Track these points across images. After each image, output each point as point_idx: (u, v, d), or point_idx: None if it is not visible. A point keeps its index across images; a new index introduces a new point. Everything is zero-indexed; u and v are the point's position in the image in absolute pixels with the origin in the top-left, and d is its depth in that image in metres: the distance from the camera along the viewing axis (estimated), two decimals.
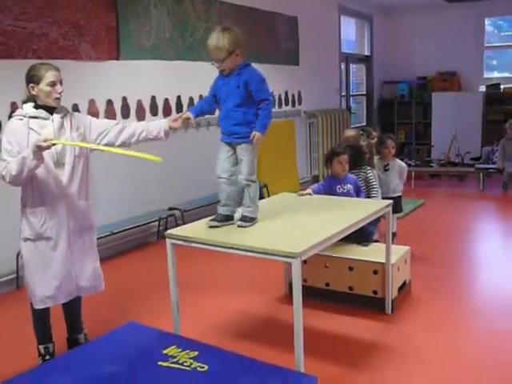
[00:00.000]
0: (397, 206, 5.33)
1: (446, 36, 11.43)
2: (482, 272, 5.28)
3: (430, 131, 11.55)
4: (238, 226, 3.38)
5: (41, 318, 3.56)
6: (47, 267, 3.37)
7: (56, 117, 3.35)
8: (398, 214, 5.41)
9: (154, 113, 6.39)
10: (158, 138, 3.74)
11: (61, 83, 3.35)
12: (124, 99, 6.01)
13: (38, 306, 3.42)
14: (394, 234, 5.33)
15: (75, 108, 5.45)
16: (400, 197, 5.40)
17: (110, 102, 5.84)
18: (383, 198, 4.78)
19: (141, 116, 6.20)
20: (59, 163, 3.34)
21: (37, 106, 3.32)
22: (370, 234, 4.65)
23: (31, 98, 3.32)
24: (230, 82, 3.41)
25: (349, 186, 4.57)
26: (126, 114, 6.03)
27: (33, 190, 3.32)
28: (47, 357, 3.57)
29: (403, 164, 5.49)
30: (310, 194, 4.34)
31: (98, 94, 5.72)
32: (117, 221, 5.89)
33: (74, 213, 3.41)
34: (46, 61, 5.03)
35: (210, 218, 3.51)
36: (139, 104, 6.19)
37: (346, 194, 4.52)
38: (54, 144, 3.15)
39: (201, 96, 7.01)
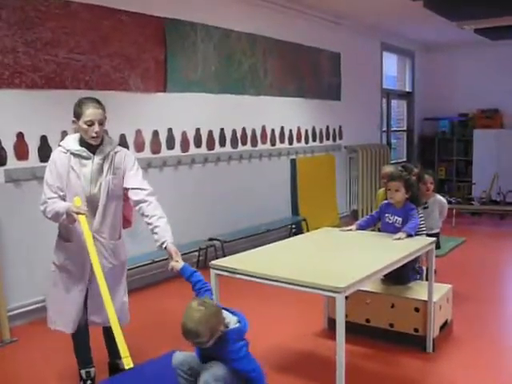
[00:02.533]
0: (436, 243, 5.29)
1: (487, 73, 11.37)
2: None
3: (471, 168, 11.44)
4: None
5: (78, 342, 3.62)
6: (66, 297, 3.48)
7: (97, 158, 3.38)
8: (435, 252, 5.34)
9: (198, 144, 6.50)
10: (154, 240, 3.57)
11: (100, 123, 3.32)
12: (169, 130, 6.14)
13: (52, 327, 3.55)
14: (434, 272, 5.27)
15: (123, 138, 5.60)
16: (438, 233, 5.33)
17: (155, 133, 5.98)
18: None
19: (185, 147, 6.31)
20: (93, 206, 3.38)
21: (81, 141, 3.37)
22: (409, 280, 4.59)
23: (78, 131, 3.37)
24: None
25: (397, 218, 4.30)
26: (170, 145, 6.15)
27: (64, 225, 3.42)
28: (88, 381, 3.62)
29: (443, 200, 5.36)
30: (351, 230, 4.33)
31: (144, 124, 5.86)
32: (157, 250, 5.95)
33: (103, 252, 3.48)
34: (97, 92, 5.24)
35: None
36: (184, 135, 6.31)
37: (389, 225, 4.31)
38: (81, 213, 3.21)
39: (243, 129, 7.12)
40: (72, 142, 3.37)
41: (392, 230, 4.25)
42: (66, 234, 3.44)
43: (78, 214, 3.20)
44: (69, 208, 3.22)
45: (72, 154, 3.33)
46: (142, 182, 3.54)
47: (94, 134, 3.31)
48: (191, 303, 2.79)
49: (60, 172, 3.32)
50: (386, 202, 4.47)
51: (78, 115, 3.30)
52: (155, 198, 3.57)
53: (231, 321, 2.86)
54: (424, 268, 4.62)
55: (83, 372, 3.64)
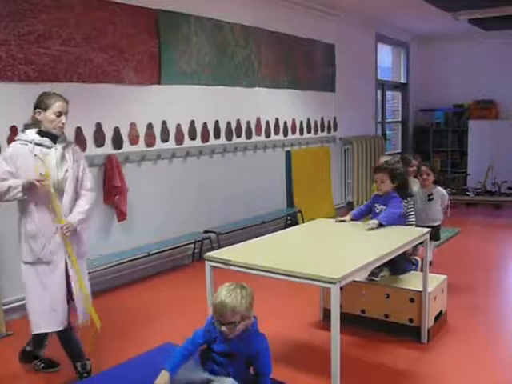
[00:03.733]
0: (435, 235, 5.30)
1: (483, 64, 11.37)
2: None
3: (466, 159, 11.46)
4: None
5: (64, 340, 3.66)
6: (45, 291, 3.49)
7: (59, 146, 3.52)
8: (435, 243, 5.36)
9: (192, 137, 6.49)
10: None
11: (66, 115, 3.52)
12: (164, 123, 6.12)
13: (33, 332, 3.56)
14: (429, 263, 5.28)
15: (117, 131, 5.58)
16: (439, 226, 5.35)
17: (150, 126, 5.96)
18: (423, 227, 4.67)
19: (180, 140, 6.30)
20: (60, 191, 3.48)
21: (40, 133, 3.48)
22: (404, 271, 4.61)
23: (35, 124, 3.49)
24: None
25: (382, 206, 4.34)
26: (165, 137, 6.14)
27: (32, 216, 3.46)
28: (85, 374, 3.64)
29: (445, 192, 5.39)
30: (344, 221, 4.33)
31: (138, 117, 5.84)
32: (153, 242, 5.97)
33: (71, 239, 3.55)
34: (90, 85, 5.24)
35: None
36: (178, 128, 6.30)
37: (376, 215, 4.30)
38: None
39: (238, 121, 7.11)
40: (33, 134, 3.48)
41: None
42: (40, 224, 3.46)
43: (40, 182, 3.33)
44: (27, 180, 3.32)
45: (36, 143, 3.44)
46: (86, 179, 3.69)
47: (62, 125, 3.51)
48: (226, 284, 2.72)
49: (23, 164, 3.41)
50: (376, 192, 4.53)
51: (45, 106, 3.46)
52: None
53: None
54: (419, 259, 4.63)
55: (79, 365, 3.65)
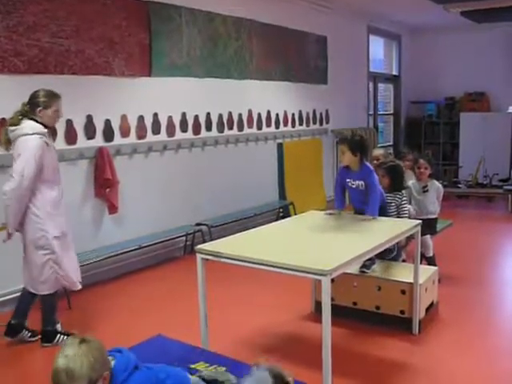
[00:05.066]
0: (433, 228, 5.32)
1: (474, 56, 11.39)
2: (510, 293, 5.23)
3: (457, 152, 11.48)
4: None
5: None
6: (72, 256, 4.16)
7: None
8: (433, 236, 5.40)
9: (184, 129, 6.47)
10: None
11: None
12: (155, 115, 6.10)
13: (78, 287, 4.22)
14: (432, 258, 5.30)
15: (108, 123, 5.56)
16: (436, 219, 5.38)
17: (141, 118, 5.94)
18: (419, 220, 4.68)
19: (171, 132, 6.28)
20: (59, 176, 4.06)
21: (42, 124, 3.89)
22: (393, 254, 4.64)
23: (26, 114, 3.88)
24: None
25: (358, 182, 4.27)
26: (156, 129, 6.11)
27: (53, 197, 3.96)
28: (64, 331, 4.12)
29: (440, 186, 5.44)
30: (334, 214, 4.32)
31: (129, 109, 5.82)
32: (144, 235, 5.96)
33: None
34: (81, 77, 5.21)
35: None
36: (169, 120, 6.28)
37: (354, 190, 4.30)
38: None
39: (230, 113, 7.10)
40: (40, 127, 3.85)
41: (358, 194, 4.29)
42: (59, 203, 4.05)
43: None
44: None
45: (46, 135, 3.90)
46: None
47: (58, 120, 4.09)
48: (67, 339, 2.15)
49: (44, 159, 3.84)
50: (342, 166, 4.44)
51: (46, 105, 3.89)
52: None
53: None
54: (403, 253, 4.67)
55: (59, 325, 4.17)
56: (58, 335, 4.11)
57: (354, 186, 4.29)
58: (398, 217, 4.60)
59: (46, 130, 3.88)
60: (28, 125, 3.82)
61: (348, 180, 4.32)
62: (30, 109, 3.87)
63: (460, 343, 4.02)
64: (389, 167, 4.79)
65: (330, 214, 4.33)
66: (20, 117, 3.86)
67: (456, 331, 4.22)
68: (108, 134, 5.59)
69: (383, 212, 4.33)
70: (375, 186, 4.21)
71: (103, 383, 2.07)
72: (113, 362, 2.19)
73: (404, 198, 4.74)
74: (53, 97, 3.91)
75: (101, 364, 2.06)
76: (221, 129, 7.01)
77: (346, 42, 9.56)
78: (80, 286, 4.21)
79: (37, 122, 3.85)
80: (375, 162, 5.48)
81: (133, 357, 2.31)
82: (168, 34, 6.13)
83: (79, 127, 5.32)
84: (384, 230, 3.78)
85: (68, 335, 3.99)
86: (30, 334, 4.17)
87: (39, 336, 4.14)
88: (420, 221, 4.14)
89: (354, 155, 4.20)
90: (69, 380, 1.97)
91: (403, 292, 4.16)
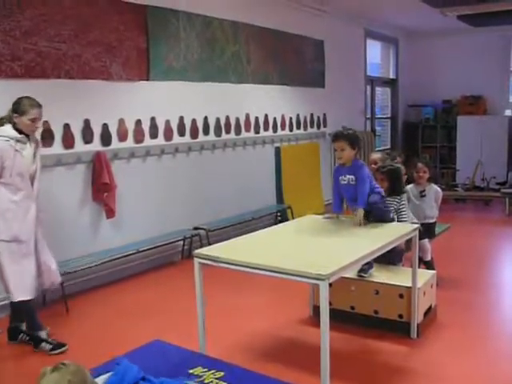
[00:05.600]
0: (431, 232, 5.31)
1: (471, 60, 11.41)
2: (508, 297, 5.24)
3: (454, 155, 11.49)
4: None
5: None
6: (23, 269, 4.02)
7: (32, 144, 4.06)
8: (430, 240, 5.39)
9: (182, 133, 6.46)
10: None
11: (40, 119, 4.06)
12: (152, 119, 6.10)
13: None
14: (430, 261, 5.29)
15: (105, 128, 5.55)
16: (435, 223, 5.37)
17: (138, 122, 5.93)
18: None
19: (169, 136, 6.28)
20: (32, 180, 4.07)
21: (17, 129, 3.93)
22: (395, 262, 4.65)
23: (8, 119, 3.95)
24: None
25: (349, 176, 4.15)
26: (154, 134, 6.11)
27: (11, 200, 3.95)
28: (50, 339, 4.11)
29: (439, 189, 5.42)
30: (332, 218, 4.28)
31: (127, 113, 5.81)
32: (142, 239, 5.95)
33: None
34: (78, 81, 5.21)
35: None
36: (167, 124, 6.27)
37: (346, 187, 4.17)
38: None
39: (227, 117, 7.09)
40: (11, 131, 3.92)
41: (351, 192, 4.14)
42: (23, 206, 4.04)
43: None
44: None
45: (17, 140, 3.91)
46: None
47: (35, 129, 4.06)
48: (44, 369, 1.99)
49: (5, 160, 3.87)
50: (336, 166, 4.39)
51: (22, 112, 3.92)
52: None
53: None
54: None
55: (44, 333, 4.15)
56: (41, 342, 4.13)
57: (345, 183, 4.17)
58: (397, 221, 4.59)
59: (18, 136, 3.91)
60: (2, 128, 3.92)
61: (340, 177, 4.21)
62: (11, 114, 3.95)
63: (459, 347, 4.01)
64: (388, 171, 4.79)
65: (328, 218, 4.31)
66: (4, 121, 3.96)
67: (454, 335, 4.22)
68: (105, 138, 5.59)
69: (381, 212, 4.20)
70: (364, 180, 4.08)
71: None
72: (102, 381, 2.14)
73: (403, 203, 4.74)
74: (31, 105, 3.94)
75: None
76: (218, 133, 7.01)
77: (343, 46, 9.57)
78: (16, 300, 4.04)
79: (16, 128, 3.93)
80: (373, 165, 5.48)
81: (132, 373, 2.26)
82: (166, 38, 6.13)
83: (76, 131, 5.31)
84: (382, 234, 3.77)
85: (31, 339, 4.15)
86: (28, 338, 4.18)
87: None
88: (418, 225, 4.13)
89: (353, 149, 4.14)
90: None
91: (401, 296, 4.15)
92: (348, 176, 4.15)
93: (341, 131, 4.28)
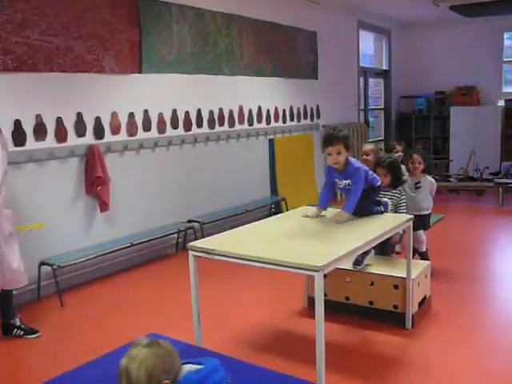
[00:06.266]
0: (426, 224, 5.31)
1: (464, 50, 11.42)
2: (502, 287, 5.25)
3: (448, 146, 11.52)
4: None
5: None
6: None
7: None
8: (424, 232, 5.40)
9: (175, 126, 6.45)
10: None
11: None
12: (145, 112, 6.08)
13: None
14: (425, 252, 5.30)
15: (98, 121, 5.53)
16: (429, 214, 5.37)
17: (131, 115, 5.91)
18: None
19: (162, 129, 6.26)
20: None
21: None
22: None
23: None
24: None
25: (345, 181, 4.00)
26: (147, 126, 6.09)
27: None
28: (22, 326, 4.20)
29: (433, 180, 5.41)
30: (318, 215, 4.10)
31: (120, 106, 5.79)
32: (136, 232, 5.94)
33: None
34: (71, 74, 5.18)
35: None
36: (160, 117, 6.25)
37: (344, 190, 4.08)
38: None
39: (221, 109, 7.08)
40: None
41: (348, 194, 4.02)
42: None
43: None
44: None
45: None
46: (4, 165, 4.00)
47: None
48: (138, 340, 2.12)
49: None
50: (329, 166, 4.11)
51: None
52: None
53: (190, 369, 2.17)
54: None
55: (18, 319, 4.21)
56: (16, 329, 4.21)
57: (341, 186, 4.07)
58: (395, 212, 4.58)
59: None
60: None
61: (336, 180, 4.09)
62: None
63: (453, 337, 4.03)
64: (389, 163, 4.72)
65: (307, 216, 4.10)
66: None
67: (449, 325, 4.24)
68: (98, 132, 5.57)
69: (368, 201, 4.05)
70: (358, 188, 3.92)
71: None
72: (184, 372, 2.11)
73: (403, 197, 4.73)
74: None
75: (161, 371, 2.00)
76: (212, 125, 6.99)
77: (336, 37, 9.55)
78: None
79: None
80: (365, 156, 5.49)
81: (217, 376, 2.16)
82: (158, 31, 6.10)
83: (69, 125, 5.28)
84: (376, 225, 3.78)
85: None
86: (22, 333, 4.19)
87: (38, 333, 4.22)
88: (411, 216, 4.13)
89: (348, 151, 3.97)
90: (126, 379, 1.98)
91: (396, 287, 4.16)
92: (344, 181, 4.01)
93: (336, 133, 4.06)
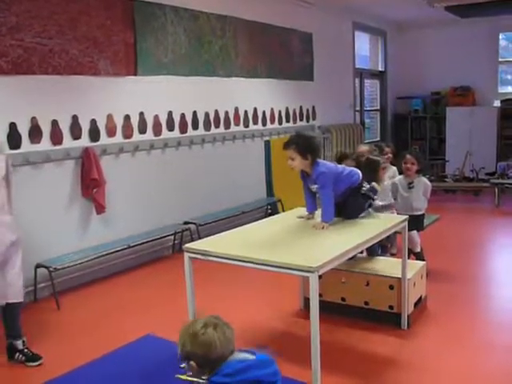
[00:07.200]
0: (419, 224, 5.31)
1: (460, 51, 11.44)
2: (498, 287, 5.26)
3: (444, 146, 11.54)
4: None
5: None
6: None
7: None
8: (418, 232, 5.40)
9: (170, 128, 6.45)
10: None
11: None
12: (141, 114, 6.08)
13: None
14: (420, 253, 5.30)
15: (93, 123, 5.53)
16: (423, 215, 5.37)
17: (127, 118, 5.91)
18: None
19: (158, 131, 6.26)
20: None
21: None
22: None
23: None
24: None
25: (314, 186, 3.90)
26: (142, 129, 6.09)
27: None
28: (25, 351, 3.81)
29: (427, 181, 5.40)
30: (310, 218, 4.07)
31: (115, 109, 5.79)
32: (132, 234, 5.94)
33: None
34: (66, 77, 5.18)
35: None
36: (156, 119, 6.26)
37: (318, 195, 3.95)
38: None
39: (216, 111, 7.08)
40: None
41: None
42: None
43: None
44: None
45: None
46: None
47: None
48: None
49: None
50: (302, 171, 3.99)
51: None
52: None
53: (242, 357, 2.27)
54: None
55: (20, 342, 3.81)
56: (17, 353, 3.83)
57: (314, 190, 3.97)
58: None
59: None
60: None
61: (308, 184, 3.97)
62: None
63: (449, 337, 4.04)
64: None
65: (301, 218, 4.11)
66: None
67: (445, 325, 4.25)
68: (94, 134, 5.57)
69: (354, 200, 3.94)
70: (323, 189, 3.82)
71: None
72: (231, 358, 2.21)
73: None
74: None
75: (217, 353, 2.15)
76: (207, 127, 7.00)
77: (331, 39, 9.57)
78: None
79: None
80: (361, 158, 5.50)
81: (260, 372, 2.23)
82: (153, 33, 6.10)
83: (65, 127, 5.28)
84: (371, 226, 3.79)
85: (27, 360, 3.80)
86: (24, 358, 3.81)
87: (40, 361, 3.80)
88: (406, 216, 4.14)
89: (305, 159, 3.77)
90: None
91: (391, 287, 4.17)
92: (314, 185, 3.90)
93: (290, 138, 3.87)
